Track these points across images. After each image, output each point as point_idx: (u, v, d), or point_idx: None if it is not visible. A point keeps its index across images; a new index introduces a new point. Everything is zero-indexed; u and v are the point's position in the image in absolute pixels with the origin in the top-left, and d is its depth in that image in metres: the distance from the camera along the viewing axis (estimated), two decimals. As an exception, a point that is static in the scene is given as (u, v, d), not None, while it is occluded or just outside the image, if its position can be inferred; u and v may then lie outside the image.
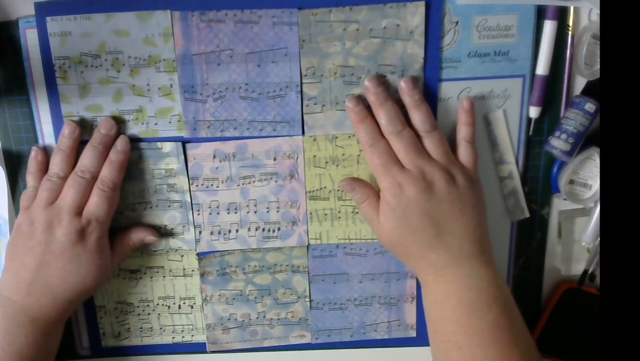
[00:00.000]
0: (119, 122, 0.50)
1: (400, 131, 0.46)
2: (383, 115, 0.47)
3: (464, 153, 0.48)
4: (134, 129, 0.51)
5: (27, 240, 0.47)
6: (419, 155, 0.46)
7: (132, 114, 0.50)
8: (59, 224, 0.47)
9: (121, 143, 0.49)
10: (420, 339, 0.56)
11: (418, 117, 0.47)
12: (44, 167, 0.50)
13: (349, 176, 0.51)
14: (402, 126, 0.46)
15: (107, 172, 0.48)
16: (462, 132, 0.49)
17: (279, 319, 0.56)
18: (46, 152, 0.51)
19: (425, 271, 0.47)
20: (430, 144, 0.47)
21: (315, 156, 0.51)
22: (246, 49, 0.49)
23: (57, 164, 0.48)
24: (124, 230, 0.51)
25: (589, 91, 0.50)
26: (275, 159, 0.51)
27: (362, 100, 0.48)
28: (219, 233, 0.53)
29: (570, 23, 0.49)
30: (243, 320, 0.56)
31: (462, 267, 0.45)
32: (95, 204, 0.47)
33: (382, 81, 0.48)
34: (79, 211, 0.47)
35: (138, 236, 0.51)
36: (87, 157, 0.48)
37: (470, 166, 0.48)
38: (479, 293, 0.45)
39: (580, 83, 0.50)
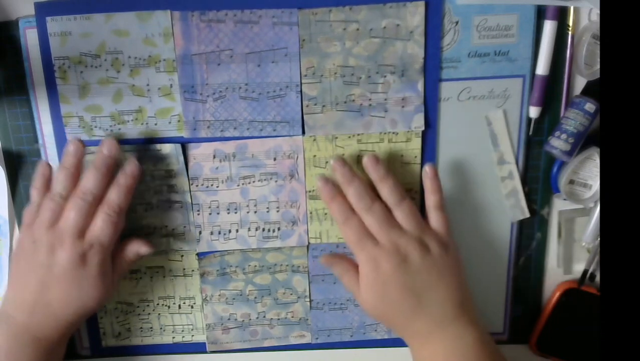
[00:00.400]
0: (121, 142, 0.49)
1: (371, 207, 0.47)
2: (352, 193, 0.47)
3: (435, 220, 0.49)
4: (134, 129, 0.51)
5: (30, 260, 0.47)
6: (391, 229, 0.46)
7: (131, 115, 0.50)
8: (61, 247, 0.46)
9: (131, 167, 0.48)
10: (420, 339, 0.56)
11: (386, 190, 0.48)
12: (50, 183, 0.48)
13: (330, 254, 0.52)
14: (372, 201, 0.47)
15: (115, 196, 0.47)
16: (431, 200, 0.49)
17: (279, 319, 0.56)
18: (52, 167, 0.49)
19: (411, 337, 0.48)
20: (401, 215, 0.47)
21: (315, 155, 0.51)
22: (246, 49, 0.49)
23: (60, 182, 0.47)
24: (117, 247, 0.50)
25: (589, 91, 0.50)
26: (275, 159, 0.51)
27: (331, 179, 0.49)
28: (219, 233, 0.53)
29: (570, 23, 0.49)
30: (243, 320, 0.56)
31: (447, 331, 0.46)
32: (100, 228, 0.46)
33: (346, 161, 0.49)
34: (81, 233, 0.46)
35: (132, 250, 0.50)
36: (90, 180, 0.47)
37: (443, 232, 0.48)
38: (465, 353, 0.45)
39: (580, 83, 0.50)
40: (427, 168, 0.49)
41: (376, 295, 0.47)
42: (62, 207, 0.46)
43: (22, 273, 0.47)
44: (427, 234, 0.47)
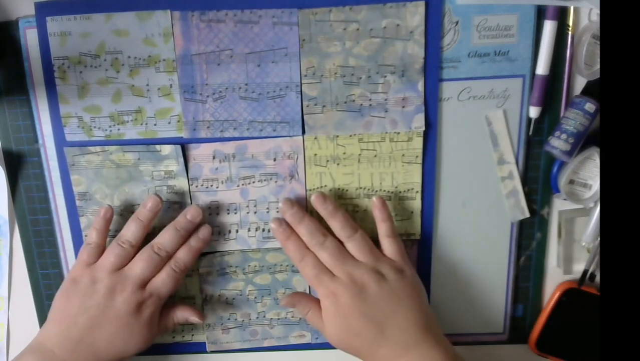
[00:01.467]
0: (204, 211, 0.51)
1: (323, 242, 0.49)
2: (304, 232, 0.49)
3: (388, 248, 0.50)
4: (133, 129, 0.51)
5: (85, 299, 0.47)
6: (345, 261, 0.48)
7: (131, 115, 0.50)
8: (121, 292, 0.47)
9: (204, 232, 0.51)
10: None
11: (337, 225, 0.49)
12: (109, 226, 0.50)
13: (291, 293, 0.52)
14: (324, 237, 0.49)
15: (184, 256, 0.49)
16: (382, 229, 0.50)
17: (279, 319, 0.56)
18: (114, 211, 0.51)
19: None
20: (354, 247, 0.49)
21: (316, 154, 0.51)
22: (246, 49, 0.49)
23: (132, 232, 0.49)
24: (171, 306, 0.51)
25: (589, 91, 0.50)
26: (275, 159, 0.51)
27: (284, 220, 0.50)
28: (219, 233, 0.53)
29: (570, 23, 0.49)
30: (243, 320, 0.56)
31: (413, 354, 0.46)
32: (163, 281, 0.48)
33: (294, 201, 0.51)
34: (144, 284, 0.48)
35: (183, 314, 0.51)
36: (167, 237, 0.49)
37: (397, 258, 0.49)
38: None
39: (580, 83, 0.50)
40: (374, 199, 0.51)
41: (339, 328, 0.47)
42: (130, 254, 0.49)
43: (72, 309, 0.48)
44: (382, 262, 0.48)
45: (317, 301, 0.49)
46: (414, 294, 0.48)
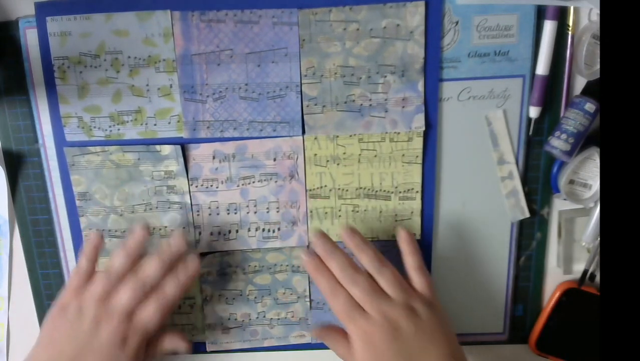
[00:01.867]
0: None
1: (355, 278, 0.47)
2: (335, 266, 0.48)
3: (417, 281, 0.49)
4: (133, 130, 0.51)
5: (72, 327, 0.47)
6: (377, 298, 0.47)
7: (131, 115, 0.50)
8: (107, 323, 0.46)
9: (192, 265, 0.49)
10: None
11: (366, 259, 0.48)
12: (99, 252, 0.50)
13: (320, 327, 0.51)
14: (355, 272, 0.48)
15: (171, 289, 0.48)
16: (409, 262, 0.49)
17: (279, 319, 0.56)
18: (104, 238, 0.50)
19: None
20: (384, 282, 0.48)
21: (316, 154, 0.51)
22: (246, 49, 0.49)
23: (120, 263, 0.48)
24: (158, 335, 0.50)
25: (589, 91, 0.50)
26: (275, 159, 0.51)
27: (315, 253, 0.49)
28: (219, 233, 0.53)
29: (570, 23, 0.49)
30: (243, 320, 0.56)
31: None
32: (149, 314, 0.47)
33: (326, 234, 0.50)
34: (129, 315, 0.47)
35: (171, 343, 0.50)
36: (152, 268, 0.48)
37: (427, 292, 0.48)
38: None
39: (580, 83, 0.50)
40: (401, 232, 0.50)
41: None
42: (116, 284, 0.48)
43: (59, 335, 0.47)
44: (413, 297, 0.47)
45: (345, 334, 0.48)
46: (445, 329, 0.48)
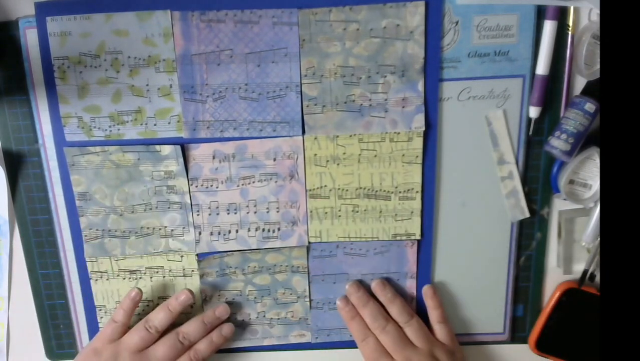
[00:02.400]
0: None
1: (385, 327, 0.52)
2: (367, 315, 0.53)
3: (440, 333, 0.54)
4: (133, 129, 0.51)
5: None
6: (404, 348, 0.51)
7: (131, 115, 0.50)
8: None
9: (227, 330, 0.54)
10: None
11: (395, 310, 0.53)
12: (136, 308, 0.53)
13: None
14: (386, 322, 0.52)
15: (204, 348, 0.52)
16: (434, 316, 0.54)
17: (278, 319, 0.56)
18: (142, 294, 0.53)
19: None
20: (412, 332, 0.52)
21: (316, 154, 0.51)
22: (246, 49, 0.49)
23: (160, 320, 0.51)
24: None
25: (589, 91, 0.50)
26: (275, 159, 0.51)
27: (349, 301, 0.54)
28: (219, 233, 0.53)
29: (570, 23, 0.49)
30: (243, 320, 0.56)
31: None
32: None
33: (361, 285, 0.54)
34: None
35: None
36: (193, 328, 0.52)
37: (449, 342, 0.53)
38: None
39: (580, 83, 0.50)
40: (426, 289, 0.54)
41: None
42: (154, 339, 0.51)
43: None
44: (437, 347, 0.52)
45: None
46: None
